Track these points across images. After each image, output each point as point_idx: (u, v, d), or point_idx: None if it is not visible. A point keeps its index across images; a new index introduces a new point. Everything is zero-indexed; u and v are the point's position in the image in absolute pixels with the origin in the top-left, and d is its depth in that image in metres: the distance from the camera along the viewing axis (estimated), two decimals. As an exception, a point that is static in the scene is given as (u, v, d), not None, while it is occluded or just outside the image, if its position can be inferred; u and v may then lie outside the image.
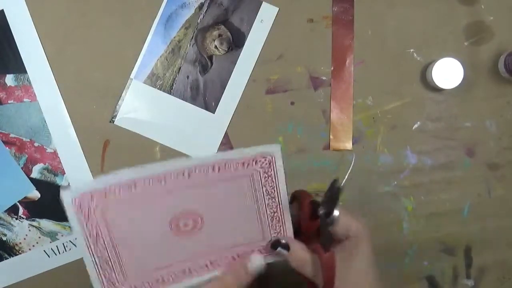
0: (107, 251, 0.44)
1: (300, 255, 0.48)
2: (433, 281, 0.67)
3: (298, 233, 0.49)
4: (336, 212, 0.47)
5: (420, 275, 0.66)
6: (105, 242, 0.44)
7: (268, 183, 0.47)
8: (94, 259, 0.44)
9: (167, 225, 0.45)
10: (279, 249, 0.48)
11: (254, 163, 0.46)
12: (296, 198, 0.51)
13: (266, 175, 0.46)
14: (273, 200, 0.48)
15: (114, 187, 0.42)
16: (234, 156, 0.45)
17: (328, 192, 0.47)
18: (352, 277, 0.47)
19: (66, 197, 0.41)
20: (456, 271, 0.67)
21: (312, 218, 0.48)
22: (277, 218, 0.48)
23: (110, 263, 0.44)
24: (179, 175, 0.44)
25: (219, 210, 0.47)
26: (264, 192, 0.47)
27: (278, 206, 0.48)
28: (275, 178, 0.47)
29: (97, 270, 0.44)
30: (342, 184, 0.45)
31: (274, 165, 0.46)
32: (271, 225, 0.49)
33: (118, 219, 0.43)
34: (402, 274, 0.66)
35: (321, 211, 0.46)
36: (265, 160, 0.46)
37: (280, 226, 0.49)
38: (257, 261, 0.48)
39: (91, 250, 0.43)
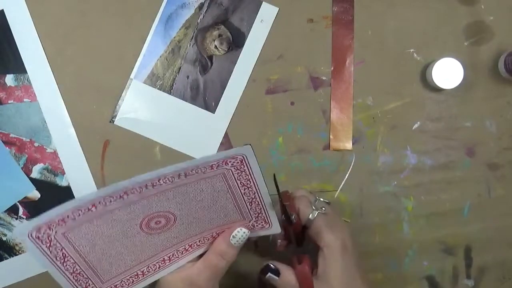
0: (78, 265, 0.44)
1: (290, 279, 0.48)
2: (433, 281, 0.67)
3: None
4: (311, 216, 0.47)
5: (420, 275, 0.66)
6: (74, 259, 0.43)
7: (242, 177, 0.46)
8: (67, 276, 0.44)
9: (137, 229, 0.45)
10: (269, 274, 0.48)
11: (224, 163, 0.45)
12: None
13: (239, 171, 0.46)
14: (250, 189, 0.47)
15: (71, 212, 0.41)
16: (200, 162, 0.44)
17: (279, 193, 0.47)
18: (330, 283, 0.47)
19: (21, 233, 0.40)
20: (456, 271, 0.67)
21: (287, 221, 0.49)
22: (256, 202, 0.48)
23: (84, 274, 0.44)
24: (141, 187, 0.43)
25: (191, 205, 0.46)
26: (239, 184, 0.47)
27: (256, 193, 0.48)
28: (249, 171, 0.46)
29: (73, 284, 0.44)
30: (275, 178, 0.45)
31: (247, 162, 0.46)
32: (251, 208, 0.48)
33: (81, 237, 0.43)
34: (402, 274, 0.66)
35: (283, 217, 0.47)
36: (236, 159, 0.45)
37: (261, 208, 0.49)
38: (240, 233, 0.48)
39: (62, 271, 0.43)
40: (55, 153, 0.65)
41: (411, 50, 0.66)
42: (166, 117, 0.65)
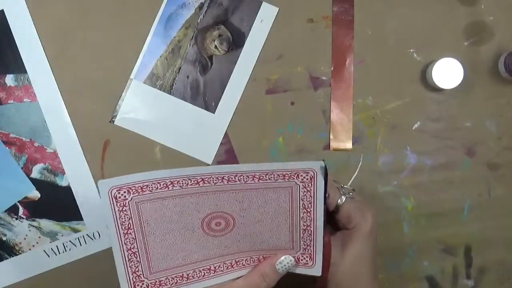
0: (136, 244, 0.44)
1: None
2: (433, 281, 0.67)
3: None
4: (340, 200, 0.47)
5: (420, 275, 0.66)
6: (136, 235, 0.43)
7: (306, 198, 0.47)
8: (123, 250, 0.44)
9: (199, 224, 0.45)
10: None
11: (295, 176, 0.45)
12: None
13: (305, 190, 0.46)
14: (308, 214, 0.47)
15: (152, 183, 0.42)
16: (277, 167, 0.45)
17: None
18: (345, 265, 0.47)
19: (103, 189, 0.41)
20: (456, 271, 0.67)
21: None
22: (309, 232, 0.48)
23: (138, 255, 0.44)
24: (218, 179, 0.43)
25: (252, 214, 0.47)
26: (301, 206, 0.47)
27: (312, 221, 0.48)
28: (313, 194, 0.46)
29: (124, 262, 0.44)
30: (324, 165, 0.45)
31: (315, 181, 0.46)
32: (302, 237, 0.48)
33: (151, 214, 0.43)
34: (402, 274, 0.66)
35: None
36: (307, 175, 0.46)
37: (311, 240, 0.48)
38: (286, 261, 0.48)
39: (121, 241, 0.43)
40: (55, 153, 0.65)
41: (411, 50, 0.66)
42: (166, 117, 0.65)
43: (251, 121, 0.66)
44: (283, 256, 0.48)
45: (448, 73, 0.63)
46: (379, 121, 0.66)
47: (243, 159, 0.65)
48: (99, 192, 0.41)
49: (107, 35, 0.65)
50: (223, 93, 0.65)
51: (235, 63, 0.65)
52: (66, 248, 0.65)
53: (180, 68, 0.65)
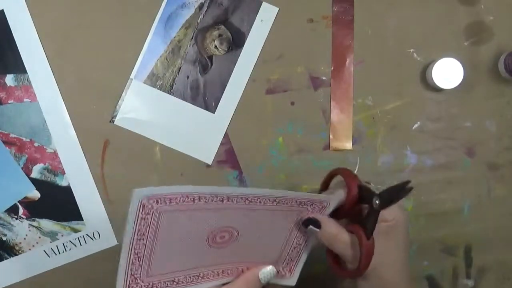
0: (144, 249, 0.44)
1: (331, 232, 0.48)
2: (433, 281, 0.67)
3: (336, 212, 0.50)
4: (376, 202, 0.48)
5: (420, 275, 0.66)
6: (146, 241, 0.44)
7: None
8: (130, 253, 0.44)
9: (206, 236, 0.46)
10: (310, 227, 0.48)
11: (310, 204, 0.47)
12: (334, 175, 0.52)
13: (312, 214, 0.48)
14: (304, 236, 0.50)
15: (181, 196, 0.42)
16: (296, 196, 0.46)
17: (394, 188, 0.48)
18: (387, 260, 0.48)
19: (136, 197, 0.41)
20: (456, 271, 0.67)
21: (358, 202, 0.49)
22: (298, 249, 0.50)
23: (141, 259, 0.45)
24: (242, 199, 0.44)
25: (257, 231, 0.48)
26: (302, 228, 0.49)
27: (305, 241, 0.50)
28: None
29: (127, 265, 0.44)
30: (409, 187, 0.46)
31: (324, 212, 0.48)
32: (290, 253, 0.50)
33: (168, 223, 0.43)
34: (402, 274, 0.66)
35: (376, 201, 0.47)
36: (321, 205, 0.47)
37: (296, 257, 0.51)
38: (268, 271, 0.50)
39: (132, 245, 0.43)
40: (55, 153, 0.65)
41: (411, 50, 0.66)
42: (166, 117, 0.65)
43: (251, 121, 0.66)
44: (268, 267, 0.50)
45: (448, 73, 0.63)
46: (379, 121, 0.66)
47: (243, 159, 0.65)
48: (130, 200, 0.41)
49: (107, 35, 0.65)
50: (223, 93, 0.65)
51: (235, 63, 0.65)
52: (66, 248, 0.65)
53: (180, 68, 0.65)
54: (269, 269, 0.49)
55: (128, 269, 0.45)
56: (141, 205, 0.41)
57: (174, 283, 0.48)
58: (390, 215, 0.48)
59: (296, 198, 0.46)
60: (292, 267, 0.51)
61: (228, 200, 0.44)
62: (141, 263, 0.45)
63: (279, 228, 0.49)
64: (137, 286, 0.45)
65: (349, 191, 0.48)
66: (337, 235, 0.48)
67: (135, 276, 0.45)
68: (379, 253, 0.47)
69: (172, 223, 0.44)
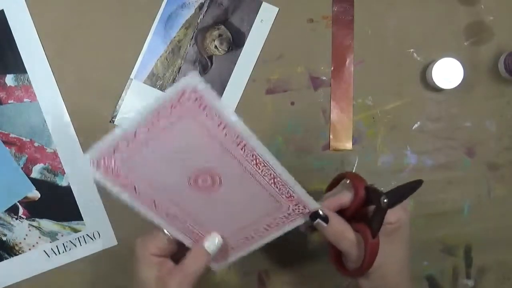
0: (136, 136, 0.45)
1: (338, 228, 0.48)
2: (433, 281, 0.67)
3: (342, 214, 0.50)
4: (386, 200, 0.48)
5: (420, 275, 0.66)
6: (143, 136, 0.45)
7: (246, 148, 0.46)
8: (128, 130, 0.45)
9: (189, 174, 0.45)
10: (318, 220, 0.48)
11: (296, 202, 0.47)
12: (341, 179, 0.52)
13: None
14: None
15: (215, 112, 0.43)
16: (295, 188, 0.46)
17: (401, 187, 0.48)
18: (390, 260, 0.48)
19: (190, 82, 0.41)
20: (456, 271, 0.67)
21: (364, 202, 0.49)
22: (249, 241, 0.49)
23: (131, 144, 0.45)
24: (249, 154, 0.44)
25: (237, 193, 0.47)
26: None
27: (259, 237, 0.49)
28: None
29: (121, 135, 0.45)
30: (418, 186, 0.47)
31: (301, 210, 0.48)
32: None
33: (174, 134, 0.44)
34: (402, 274, 0.66)
35: (384, 200, 0.47)
36: (303, 209, 0.48)
37: (242, 247, 0.50)
38: (212, 240, 0.48)
39: (136, 123, 0.45)
40: (55, 153, 0.65)
41: (411, 50, 0.66)
42: (166, 117, 0.65)
43: (251, 121, 0.65)
44: (209, 236, 0.48)
45: (448, 73, 0.63)
46: (379, 121, 0.66)
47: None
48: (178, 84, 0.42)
49: (107, 35, 0.65)
50: (223, 93, 0.65)
51: (235, 63, 0.65)
52: (66, 248, 0.65)
53: (180, 68, 0.65)
54: (212, 236, 0.48)
55: (117, 139, 0.45)
56: (186, 92, 0.41)
57: (160, 207, 0.47)
58: (394, 217, 0.48)
59: (292, 190, 0.45)
60: (232, 253, 0.50)
61: (241, 148, 0.43)
62: (128, 145, 0.45)
63: (255, 208, 0.47)
64: (112, 159, 0.45)
65: (356, 193, 0.48)
66: (343, 232, 0.48)
67: (120, 150, 0.45)
68: (382, 253, 0.47)
69: (180, 132, 0.43)
